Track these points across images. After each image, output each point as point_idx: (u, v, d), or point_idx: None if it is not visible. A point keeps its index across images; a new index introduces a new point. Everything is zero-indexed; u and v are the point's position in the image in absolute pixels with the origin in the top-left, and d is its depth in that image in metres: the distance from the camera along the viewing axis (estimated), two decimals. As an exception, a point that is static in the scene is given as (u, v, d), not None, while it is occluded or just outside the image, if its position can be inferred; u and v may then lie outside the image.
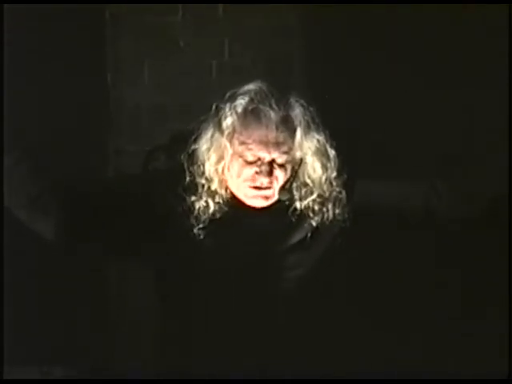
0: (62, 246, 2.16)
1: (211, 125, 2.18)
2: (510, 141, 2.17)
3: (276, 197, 2.18)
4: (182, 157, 2.18)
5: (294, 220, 2.22)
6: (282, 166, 2.15)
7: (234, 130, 2.14)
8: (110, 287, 3.51)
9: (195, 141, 2.19)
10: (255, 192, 2.16)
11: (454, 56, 2.47)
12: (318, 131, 2.19)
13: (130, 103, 3.34)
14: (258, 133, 2.11)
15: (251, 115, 2.14)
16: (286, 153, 2.14)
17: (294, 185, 2.21)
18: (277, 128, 2.12)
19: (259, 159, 2.13)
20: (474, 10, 2.39)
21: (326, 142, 2.20)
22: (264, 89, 2.15)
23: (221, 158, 2.16)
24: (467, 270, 2.53)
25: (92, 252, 2.35)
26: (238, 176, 2.15)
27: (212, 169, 2.17)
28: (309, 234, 2.23)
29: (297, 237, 2.24)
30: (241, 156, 2.14)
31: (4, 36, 2.16)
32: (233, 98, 2.17)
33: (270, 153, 2.12)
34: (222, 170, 2.18)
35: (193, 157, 2.18)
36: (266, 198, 2.17)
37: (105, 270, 3.43)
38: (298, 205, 2.22)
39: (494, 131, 2.23)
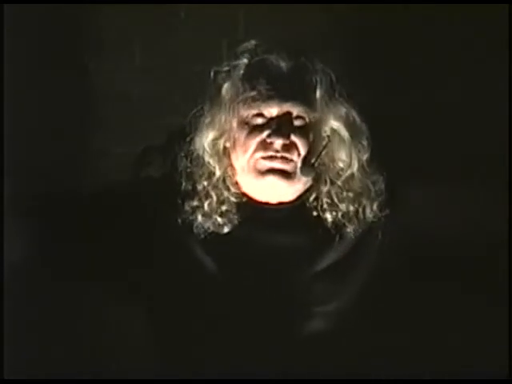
0: (32, 267, 1.89)
1: (208, 106, 1.85)
2: (510, 141, 2.13)
3: (298, 175, 1.79)
4: (179, 159, 1.87)
5: (321, 233, 1.85)
6: (301, 129, 1.78)
7: (236, 92, 1.80)
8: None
9: (191, 141, 1.87)
10: (270, 163, 1.77)
11: (452, 56, 2.44)
12: (343, 103, 1.84)
13: (115, 93, 2.64)
14: (265, 81, 1.77)
15: (255, 67, 1.80)
16: (303, 106, 1.77)
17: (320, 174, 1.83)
18: (288, 75, 1.78)
19: (271, 119, 1.77)
20: (474, 9, 2.33)
21: (356, 117, 1.84)
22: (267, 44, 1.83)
23: (222, 133, 1.83)
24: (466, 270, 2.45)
25: (68, 276, 1.95)
26: (246, 149, 1.78)
27: (214, 159, 1.84)
28: (341, 249, 1.86)
29: (327, 258, 1.87)
30: (247, 122, 1.79)
31: (4, 36, 2.02)
32: (232, 60, 1.85)
33: (282, 103, 1.76)
34: (228, 154, 1.83)
35: (190, 158, 1.87)
36: (285, 174, 1.78)
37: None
38: (324, 201, 1.84)
39: (491, 131, 2.22)
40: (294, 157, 1.79)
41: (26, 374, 1.79)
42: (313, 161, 1.81)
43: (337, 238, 1.87)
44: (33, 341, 1.93)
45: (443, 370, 1.86)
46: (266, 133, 1.78)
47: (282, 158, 1.78)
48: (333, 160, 1.87)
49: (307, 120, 1.80)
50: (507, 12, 2.20)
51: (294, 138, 1.78)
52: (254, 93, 1.79)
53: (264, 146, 1.78)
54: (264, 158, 1.78)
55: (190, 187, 1.88)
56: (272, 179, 1.79)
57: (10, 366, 1.75)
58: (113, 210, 1.90)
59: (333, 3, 2.42)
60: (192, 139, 1.87)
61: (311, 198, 1.87)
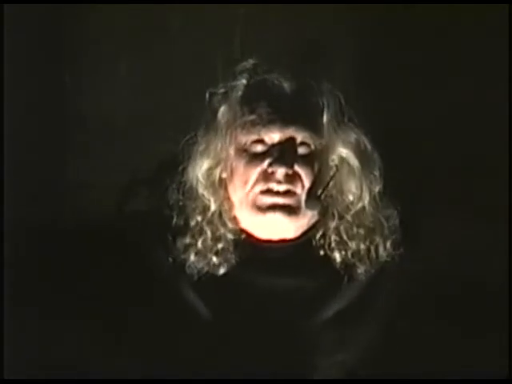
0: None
1: (202, 131, 1.70)
2: (510, 146, 2.02)
3: (302, 210, 1.63)
4: (169, 191, 1.71)
5: (329, 274, 1.68)
6: (306, 157, 1.62)
7: (234, 116, 1.65)
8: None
9: (183, 171, 1.71)
10: (271, 199, 1.61)
11: (452, 56, 2.29)
12: (353, 129, 1.69)
13: (98, 116, 2.25)
14: (266, 103, 1.62)
15: (255, 87, 1.65)
16: (308, 131, 1.62)
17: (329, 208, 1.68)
18: (292, 96, 1.63)
19: (272, 146, 1.62)
20: (474, 9, 2.26)
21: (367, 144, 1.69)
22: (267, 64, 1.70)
23: (218, 162, 1.68)
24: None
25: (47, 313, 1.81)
26: (245, 180, 1.62)
27: (209, 191, 1.68)
28: (351, 293, 1.69)
29: (335, 303, 1.70)
30: (245, 149, 1.63)
31: (4, 36, 1.97)
32: (229, 80, 1.71)
33: (284, 127, 1.60)
34: (224, 186, 1.68)
35: (182, 190, 1.71)
36: (288, 209, 1.61)
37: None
38: (332, 238, 1.68)
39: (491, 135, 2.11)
40: (298, 189, 1.64)
41: (26, 374, 1.75)
42: (319, 193, 1.65)
43: (346, 280, 1.71)
44: (33, 341, 1.83)
45: (443, 370, 1.79)
46: (266, 161, 1.63)
47: (285, 193, 1.63)
48: (341, 192, 1.71)
49: (313, 147, 1.66)
50: (507, 12, 2.15)
51: (297, 167, 1.63)
52: (253, 116, 1.64)
53: (265, 176, 1.63)
54: (264, 192, 1.63)
55: (181, 222, 1.72)
56: (274, 217, 1.63)
57: (9, 366, 1.72)
58: (94, 248, 1.76)
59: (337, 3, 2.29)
60: (184, 169, 1.72)
61: (317, 235, 1.71)
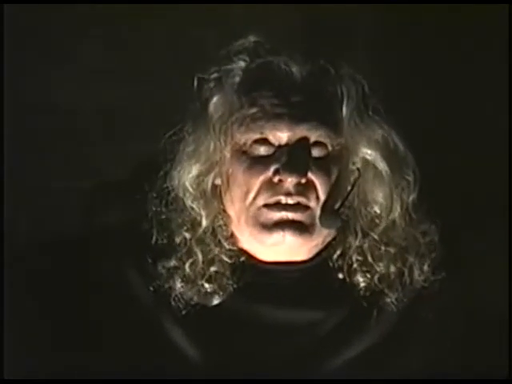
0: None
1: (190, 128, 1.46)
2: (509, 146, 1.88)
3: (317, 227, 1.40)
4: (148, 202, 1.47)
5: (350, 304, 1.46)
6: (321, 161, 1.40)
7: (230, 109, 1.43)
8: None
9: (166, 177, 1.47)
10: (278, 214, 1.38)
11: (452, 56, 2.17)
12: (379, 124, 1.46)
13: (56, 106, 2.02)
14: (271, 93, 1.40)
15: (257, 72, 1.43)
16: (324, 129, 1.39)
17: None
18: (303, 84, 1.41)
19: (279, 148, 1.39)
20: (473, 9, 2.18)
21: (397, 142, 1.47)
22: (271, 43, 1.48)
23: (210, 167, 1.45)
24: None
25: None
26: (245, 191, 1.40)
27: (200, 203, 1.45)
28: (379, 328, 1.47)
29: (359, 341, 1.47)
30: (245, 151, 1.41)
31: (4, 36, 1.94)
32: (225, 63, 1.47)
33: (294, 124, 1.38)
34: (219, 195, 1.46)
35: (166, 200, 1.47)
36: (299, 226, 1.39)
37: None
38: (354, 258, 1.45)
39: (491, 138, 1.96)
40: (312, 202, 1.40)
41: (26, 373, 1.64)
42: (337, 206, 1.42)
43: (373, 312, 1.48)
44: (33, 341, 1.71)
45: (443, 370, 1.61)
46: (272, 168, 1.39)
47: (295, 206, 1.40)
48: (365, 203, 1.49)
49: (330, 148, 1.42)
50: (507, 12, 2.10)
51: (311, 174, 1.40)
52: (254, 109, 1.41)
53: (270, 185, 1.40)
54: (269, 206, 1.40)
55: (164, 241, 1.48)
56: (281, 236, 1.39)
57: (9, 366, 1.65)
58: (52, 271, 1.53)
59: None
60: (167, 174, 1.47)
61: (335, 255, 1.47)
